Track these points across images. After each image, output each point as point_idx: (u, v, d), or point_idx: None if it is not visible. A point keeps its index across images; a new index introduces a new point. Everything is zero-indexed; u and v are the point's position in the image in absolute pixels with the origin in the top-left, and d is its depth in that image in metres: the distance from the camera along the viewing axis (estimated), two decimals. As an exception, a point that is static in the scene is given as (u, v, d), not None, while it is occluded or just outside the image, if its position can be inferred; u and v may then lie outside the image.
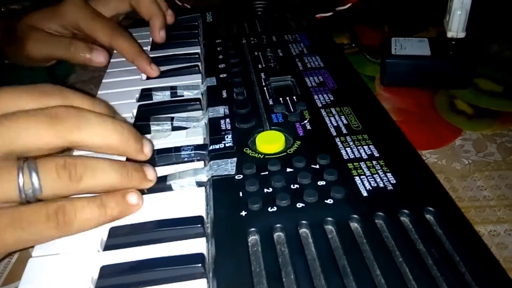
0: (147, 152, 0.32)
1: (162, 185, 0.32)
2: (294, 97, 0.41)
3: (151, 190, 0.32)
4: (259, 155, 0.33)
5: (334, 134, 0.35)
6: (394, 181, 0.30)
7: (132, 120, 0.40)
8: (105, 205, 0.28)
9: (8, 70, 0.52)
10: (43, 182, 0.27)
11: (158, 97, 0.44)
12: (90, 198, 0.28)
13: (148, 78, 0.48)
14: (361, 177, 0.30)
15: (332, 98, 0.40)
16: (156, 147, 0.35)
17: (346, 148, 0.33)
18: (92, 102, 0.31)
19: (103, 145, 0.29)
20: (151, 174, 0.31)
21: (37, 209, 0.27)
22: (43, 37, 0.48)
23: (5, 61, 0.51)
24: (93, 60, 0.48)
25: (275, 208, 0.28)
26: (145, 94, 0.44)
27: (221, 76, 0.46)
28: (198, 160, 0.34)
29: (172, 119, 0.39)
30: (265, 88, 0.43)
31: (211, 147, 0.34)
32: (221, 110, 0.39)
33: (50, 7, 0.48)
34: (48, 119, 0.27)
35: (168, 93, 0.44)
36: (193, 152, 0.34)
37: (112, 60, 0.52)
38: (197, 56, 0.52)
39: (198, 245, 0.27)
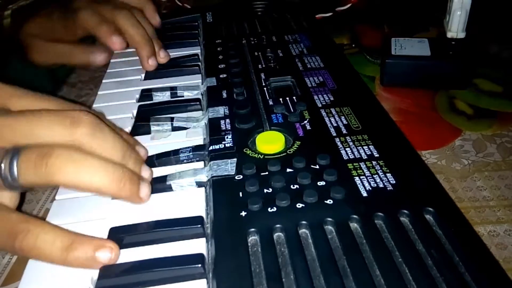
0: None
1: (162, 185, 0.32)
2: (294, 98, 0.41)
3: (151, 190, 0.32)
4: (259, 155, 0.33)
5: (334, 134, 0.35)
6: (394, 182, 0.30)
7: (132, 120, 0.41)
8: (69, 250, 0.26)
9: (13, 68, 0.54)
10: (20, 170, 0.26)
11: (158, 97, 0.44)
12: (60, 234, 0.27)
13: (147, 78, 0.48)
14: (361, 177, 0.30)
15: (332, 99, 0.40)
16: (156, 148, 0.36)
17: (346, 149, 0.33)
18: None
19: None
20: (144, 192, 0.30)
21: (4, 224, 0.27)
22: (45, 47, 0.50)
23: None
24: (93, 61, 0.49)
25: (275, 209, 0.28)
26: (145, 94, 0.44)
27: (221, 76, 0.46)
28: (197, 160, 0.34)
29: (172, 119, 0.39)
30: (265, 89, 0.43)
31: (211, 148, 0.34)
32: (221, 110, 0.39)
33: (61, 16, 0.50)
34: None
35: (168, 93, 0.44)
36: (191, 153, 0.34)
37: (112, 60, 0.52)
38: (197, 56, 0.52)
39: (198, 246, 0.27)
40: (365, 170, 0.31)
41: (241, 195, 0.30)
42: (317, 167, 0.31)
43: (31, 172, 0.27)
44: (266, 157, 0.33)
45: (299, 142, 0.34)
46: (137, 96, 0.45)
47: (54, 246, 0.26)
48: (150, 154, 0.35)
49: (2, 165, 0.27)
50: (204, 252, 0.26)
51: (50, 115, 0.29)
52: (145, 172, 0.32)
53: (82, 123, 0.28)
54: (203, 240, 0.27)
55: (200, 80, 0.47)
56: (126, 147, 0.30)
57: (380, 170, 0.31)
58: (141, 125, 0.39)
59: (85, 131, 0.28)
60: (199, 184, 0.32)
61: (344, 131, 0.35)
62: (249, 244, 0.26)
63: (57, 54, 0.51)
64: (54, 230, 0.27)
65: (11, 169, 0.26)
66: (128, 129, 0.39)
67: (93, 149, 0.28)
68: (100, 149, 0.29)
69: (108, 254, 0.26)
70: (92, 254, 0.26)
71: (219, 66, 0.48)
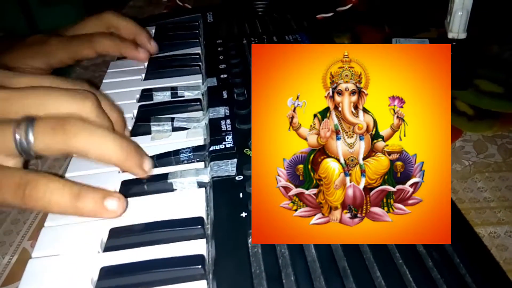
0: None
1: (163, 183, 0.32)
2: (295, 98, 0.40)
3: (152, 189, 0.32)
4: (260, 156, 0.33)
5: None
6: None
7: (132, 121, 0.40)
8: (79, 198, 0.27)
9: None
10: (37, 135, 0.28)
11: (159, 97, 0.44)
12: (68, 183, 0.28)
13: (147, 78, 0.48)
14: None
15: (332, 99, 0.40)
16: (156, 148, 0.36)
17: (347, 149, 0.33)
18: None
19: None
20: (148, 165, 0.31)
21: (10, 175, 0.28)
22: None
23: None
24: None
25: (275, 209, 0.28)
26: (146, 94, 0.44)
27: (221, 76, 0.46)
28: (198, 161, 0.34)
29: (172, 119, 0.39)
30: (265, 89, 0.43)
31: (211, 148, 0.34)
32: (222, 110, 0.39)
33: (34, 47, 0.46)
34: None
35: (168, 93, 0.44)
36: (192, 154, 0.34)
37: (112, 61, 0.52)
38: (197, 56, 0.52)
39: (198, 247, 0.27)
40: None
41: (241, 195, 0.29)
42: (318, 168, 0.31)
43: (48, 137, 0.28)
44: (266, 157, 0.33)
45: (300, 143, 0.34)
46: (138, 96, 0.45)
47: (64, 194, 0.27)
48: (150, 154, 0.35)
49: (17, 130, 0.28)
50: (205, 253, 0.26)
51: (59, 90, 0.31)
52: (148, 166, 0.33)
53: (90, 98, 0.31)
54: (204, 241, 0.27)
55: (201, 80, 0.47)
56: (126, 123, 0.34)
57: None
58: (142, 125, 0.39)
59: (93, 104, 0.31)
60: (200, 185, 0.32)
61: (345, 132, 0.35)
62: (249, 245, 0.26)
63: None
64: (62, 180, 0.28)
65: (27, 134, 0.28)
66: (128, 129, 0.39)
67: (100, 122, 0.31)
68: (106, 122, 0.32)
69: (115, 203, 0.28)
70: (100, 202, 0.28)
71: (220, 66, 0.48)
